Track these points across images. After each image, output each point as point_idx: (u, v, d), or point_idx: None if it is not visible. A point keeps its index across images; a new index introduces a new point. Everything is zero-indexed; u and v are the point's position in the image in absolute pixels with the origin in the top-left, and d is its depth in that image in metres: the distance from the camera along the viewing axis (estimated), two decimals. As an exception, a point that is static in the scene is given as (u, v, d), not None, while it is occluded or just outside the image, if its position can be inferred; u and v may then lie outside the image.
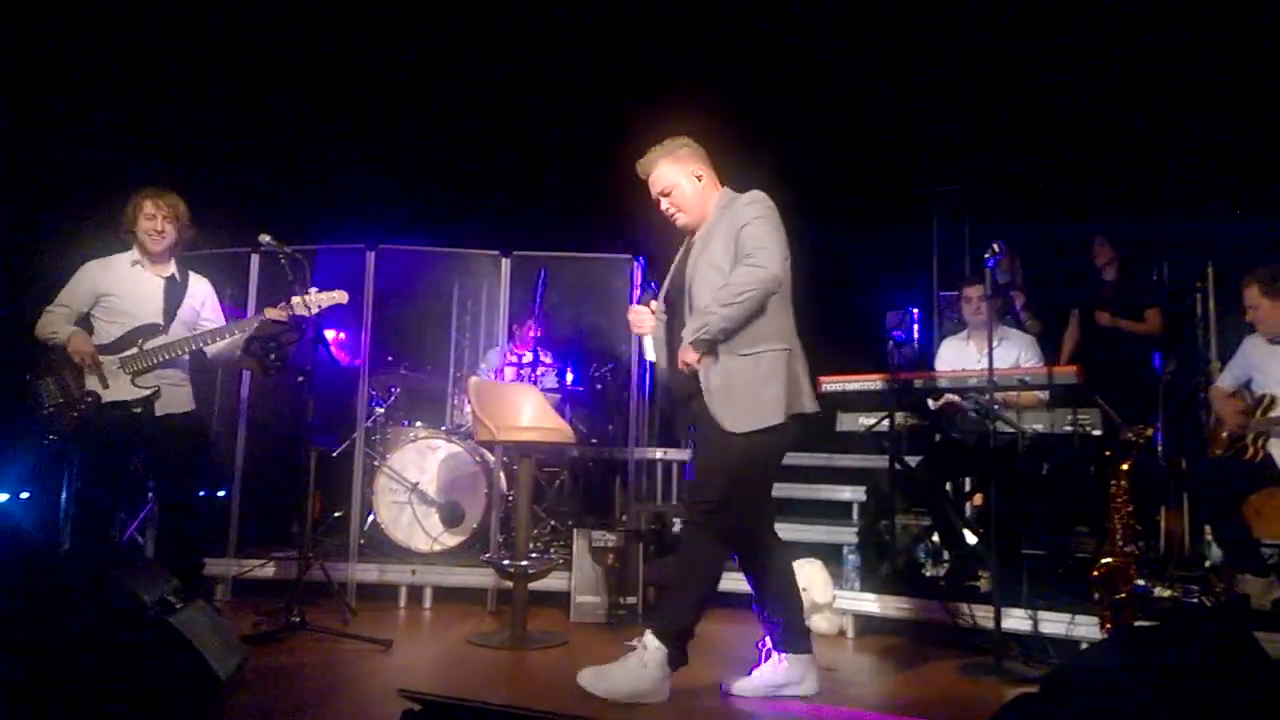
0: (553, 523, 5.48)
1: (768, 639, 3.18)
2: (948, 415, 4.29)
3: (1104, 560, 3.39)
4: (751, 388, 2.95)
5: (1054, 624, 3.61)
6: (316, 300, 3.80)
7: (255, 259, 4.82)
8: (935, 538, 4.49)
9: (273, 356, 3.95)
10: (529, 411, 4.31)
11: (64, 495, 4.38)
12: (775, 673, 3.10)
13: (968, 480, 4.82)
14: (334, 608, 4.19)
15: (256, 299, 4.77)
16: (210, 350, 3.83)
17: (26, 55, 4.87)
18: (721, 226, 3.07)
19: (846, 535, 4.77)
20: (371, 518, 5.07)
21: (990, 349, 3.74)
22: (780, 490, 6.04)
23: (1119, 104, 5.96)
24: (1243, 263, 4.14)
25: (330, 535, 5.21)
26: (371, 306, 4.77)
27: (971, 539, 4.26)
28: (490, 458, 5.17)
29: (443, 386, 6.25)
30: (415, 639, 4.09)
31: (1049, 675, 2.08)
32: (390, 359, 5.79)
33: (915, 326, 4.29)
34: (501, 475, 5.15)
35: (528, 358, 5.71)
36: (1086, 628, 3.52)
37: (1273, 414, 3.85)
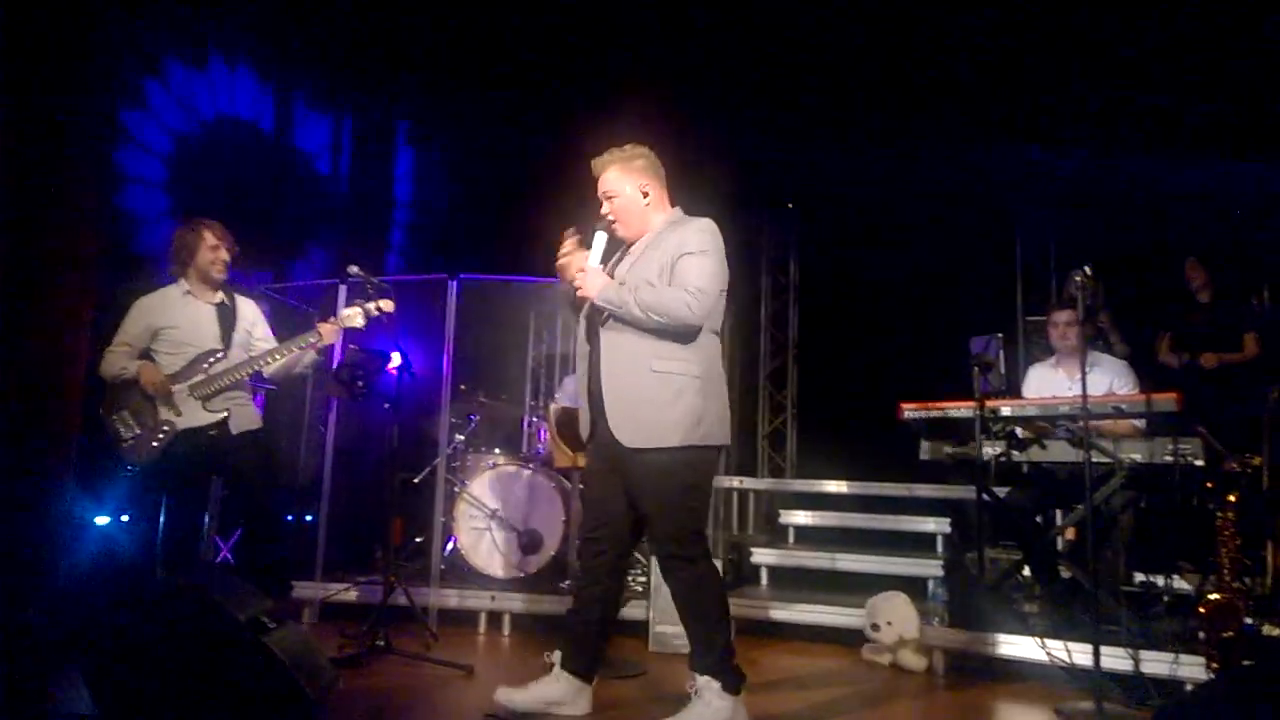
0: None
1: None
2: (1038, 444, 4.14)
3: (1210, 597, 3.22)
4: (653, 407, 2.87)
5: (1156, 664, 3.44)
6: (344, 317, 3.89)
7: (343, 289, 4.96)
8: (1027, 572, 4.33)
9: (359, 383, 4.04)
10: (607, 439, 4.30)
11: (161, 518, 4.54)
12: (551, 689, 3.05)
13: (1058, 513, 4.65)
14: (416, 632, 4.23)
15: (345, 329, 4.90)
16: (267, 370, 3.96)
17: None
18: (664, 244, 3.00)
19: (931, 568, 4.64)
20: (452, 544, 5.12)
21: (1084, 375, 3.61)
22: (861, 521, 6.00)
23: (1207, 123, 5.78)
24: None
25: (412, 560, 5.28)
26: (453, 335, 4.87)
27: (1066, 574, 4.09)
28: (568, 485, 5.19)
29: (520, 414, 6.31)
30: (495, 664, 4.10)
31: (1153, 718, 1.98)
32: (463, 387, 5.88)
33: (1000, 353, 4.16)
34: (579, 503, 5.15)
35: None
36: (1191, 668, 3.35)
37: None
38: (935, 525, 5.34)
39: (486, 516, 5.06)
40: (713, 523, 5.43)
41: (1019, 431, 4.20)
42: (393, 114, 7.67)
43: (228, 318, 3.97)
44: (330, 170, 7.18)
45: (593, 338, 3.05)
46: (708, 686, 2.91)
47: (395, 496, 4.56)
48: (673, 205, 3.18)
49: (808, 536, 6.10)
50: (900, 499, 5.83)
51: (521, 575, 4.98)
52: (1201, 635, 3.21)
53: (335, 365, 4.34)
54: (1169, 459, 3.81)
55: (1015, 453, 4.17)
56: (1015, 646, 3.78)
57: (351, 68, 6.91)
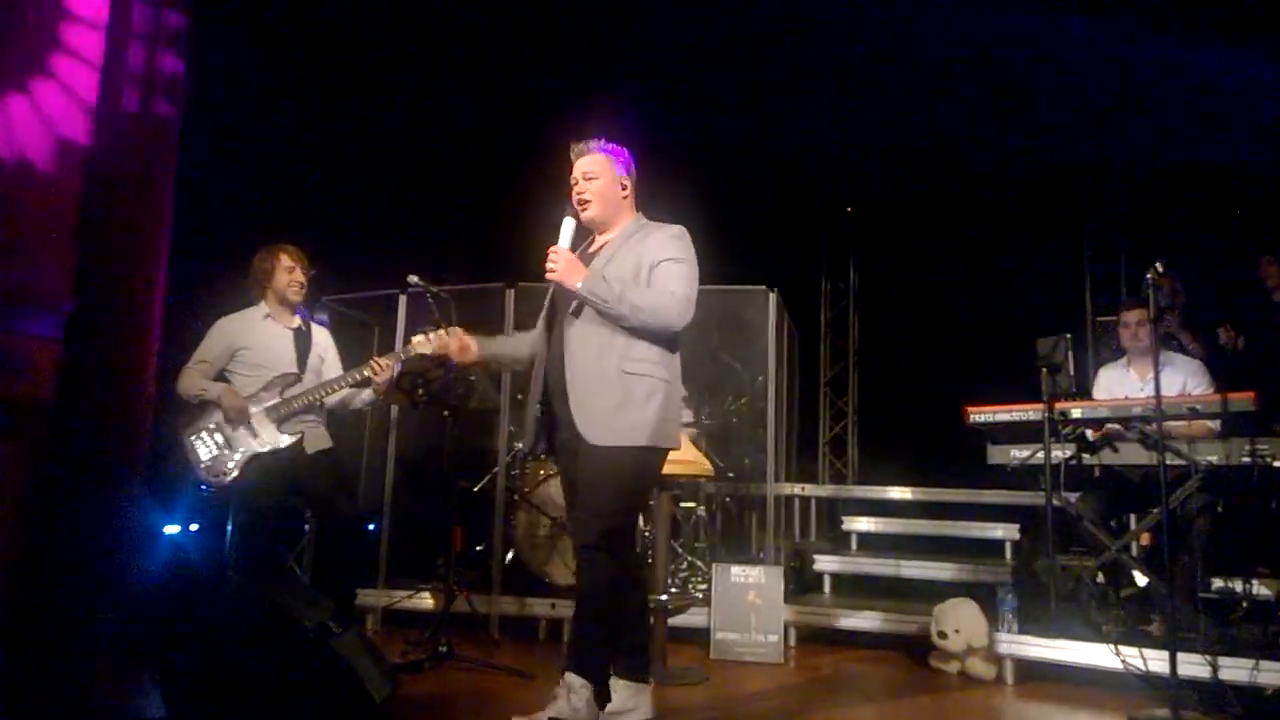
0: (690, 558, 5.43)
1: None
2: (1110, 447, 4.02)
3: (1295, 603, 3.08)
4: (623, 406, 2.81)
5: (1236, 671, 3.31)
6: (415, 344, 3.85)
7: (403, 300, 5.05)
8: (1100, 578, 4.19)
9: (420, 391, 4.10)
10: (665, 445, 4.29)
11: (229, 527, 4.66)
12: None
13: (1132, 517, 4.50)
14: (478, 639, 4.27)
15: (404, 338, 4.99)
16: (329, 400, 4.01)
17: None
18: (635, 248, 2.96)
19: (1000, 575, 4.53)
20: (512, 552, 5.16)
21: (1156, 375, 3.49)
22: (926, 527, 5.89)
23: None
24: None
25: (473, 568, 5.33)
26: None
27: (1141, 580, 3.95)
28: (626, 492, 5.18)
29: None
30: (556, 671, 4.11)
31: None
32: (519, 396, 5.91)
33: (1069, 354, 4.04)
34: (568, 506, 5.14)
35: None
36: (1272, 674, 3.23)
37: None
38: (1004, 531, 5.21)
39: (546, 524, 5.09)
40: (774, 530, 5.38)
41: (1089, 434, 4.08)
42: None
43: (304, 343, 4.06)
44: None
45: (555, 328, 2.98)
46: (577, 688, 2.80)
47: (455, 505, 4.61)
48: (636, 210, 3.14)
49: (871, 543, 6.00)
50: (967, 505, 5.71)
51: (581, 583, 4.98)
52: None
53: (396, 373, 4.41)
54: (1246, 460, 3.67)
55: (1086, 456, 4.05)
56: (1089, 654, 3.66)
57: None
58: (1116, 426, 3.99)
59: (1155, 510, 3.76)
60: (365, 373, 3.91)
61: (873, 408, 8.20)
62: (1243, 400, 3.65)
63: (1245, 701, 3.20)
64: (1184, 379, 4.16)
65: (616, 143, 3.12)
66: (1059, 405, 3.92)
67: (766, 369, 5.28)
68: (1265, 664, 3.23)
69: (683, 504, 5.61)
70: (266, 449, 3.85)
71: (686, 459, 4.11)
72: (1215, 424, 3.84)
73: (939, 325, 7.18)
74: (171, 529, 4.81)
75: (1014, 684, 3.82)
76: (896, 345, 7.78)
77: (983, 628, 3.88)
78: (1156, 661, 3.38)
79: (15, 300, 3.80)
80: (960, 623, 3.88)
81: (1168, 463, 3.52)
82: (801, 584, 5.27)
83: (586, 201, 3.02)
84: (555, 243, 2.93)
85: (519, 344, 3.22)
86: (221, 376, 3.95)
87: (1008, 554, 5.28)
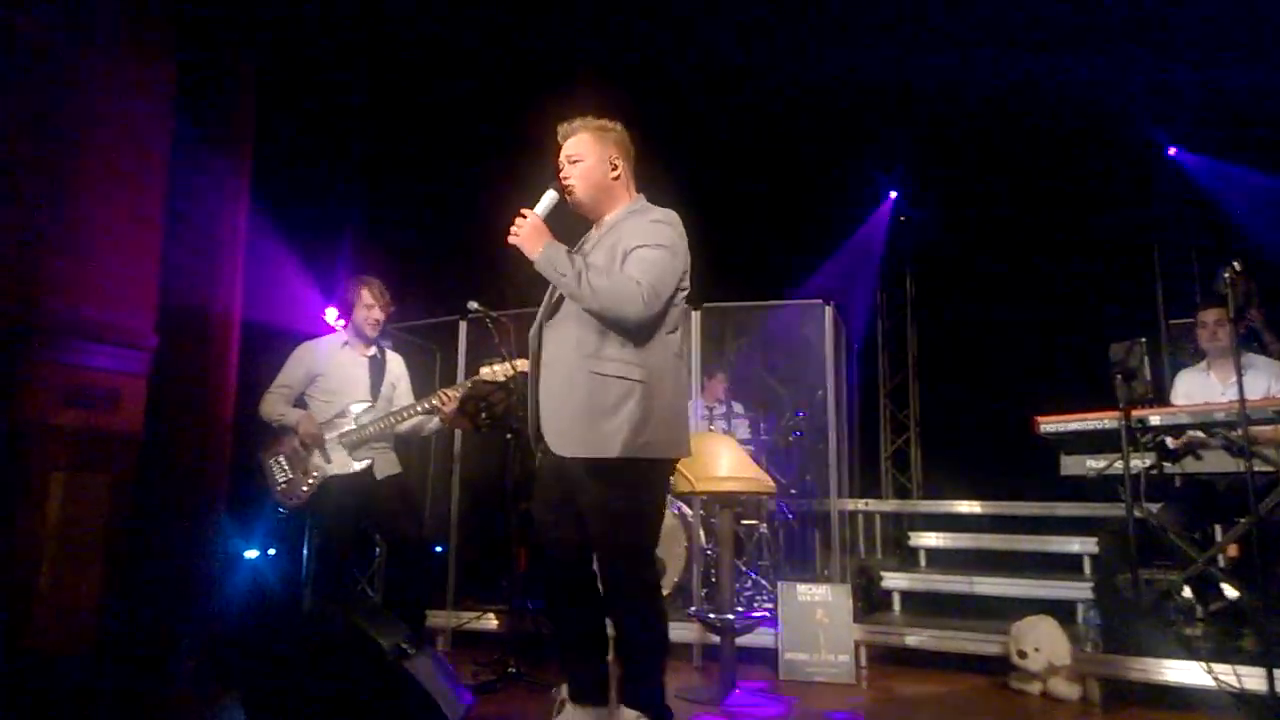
0: (753, 576, 5.37)
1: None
2: (1192, 454, 3.88)
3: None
4: (589, 413, 2.57)
5: (1341, 689, 3.12)
6: (491, 373, 3.89)
7: (464, 326, 5.11)
8: (1187, 592, 4.03)
9: (483, 415, 4.14)
10: (727, 462, 4.26)
11: (305, 552, 4.76)
12: None
13: (1218, 528, 4.32)
14: (545, 660, 4.26)
15: (466, 364, 5.05)
16: (400, 428, 4.08)
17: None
18: (621, 230, 2.74)
19: (1079, 591, 4.39)
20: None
21: (1239, 378, 3.36)
22: (998, 542, 5.74)
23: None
24: None
25: (537, 589, 5.34)
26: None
27: (1231, 593, 3.79)
28: (688, 511, 5.16)
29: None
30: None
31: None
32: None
33: (1145, 358, 3.91)
34: (700, 528, 5.11)
35: (719, 410, 5.70)
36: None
37: None
38: (1081, 545, 5.05)
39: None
40: (839, 547, 5.29)
41: (1169, 442, 3.95)
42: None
43: (378, 371, 4.16)
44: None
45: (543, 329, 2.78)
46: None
47: (519, 526, 4.63)
48: (637, 193, 2.91)
49: (940, 559, 5.87)
50: (1041, 518, 5.55)
51: (647, 602, 4.95)
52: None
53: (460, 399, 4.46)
54: (1341, 464, 3.50)
55: (1167, 464, 3.91)
56: (1178, 672, 3.51)
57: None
58: (1198, 433, 3.84)
59: (1243, 519, 3.61)
60: (434, 402, 3.97)
61: (935, 420, 8.05)
62: (1334, 403, 3.50)
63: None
64: (1268, 381, 4.02)
65: (608, 117, 2.88)
66: (1136, 412, 3.79)
67: (825, 383, 5.22)
68: (1369, 680, 3.05)
69: (744, 521, 5.57)
70: (338, 474, 3.93)
71: (746, 475, 4.08)
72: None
73: (1004, 332, 7.04)
74: (251, 553, 4.93)
75: (1100, 704, 3.69)
76: (957, 355, 7.64)
77: (1064, 646, 3.76)
78: (1252, 679, 3.25)
79: (104, 339, 3.96)
80: (1040, 641, 3.77)
81: (1255, 469, 3.39)
82: (869, 602, 5.17)
83: (570, 185, 2.79)
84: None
85: None
86: (301, 400, 4.06)
87: (1086, 569, 5.12)
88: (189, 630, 4.15)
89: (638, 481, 2.62)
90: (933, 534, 5.98)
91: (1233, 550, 4.13)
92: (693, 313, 5.17)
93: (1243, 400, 3.31)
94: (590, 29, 5.93)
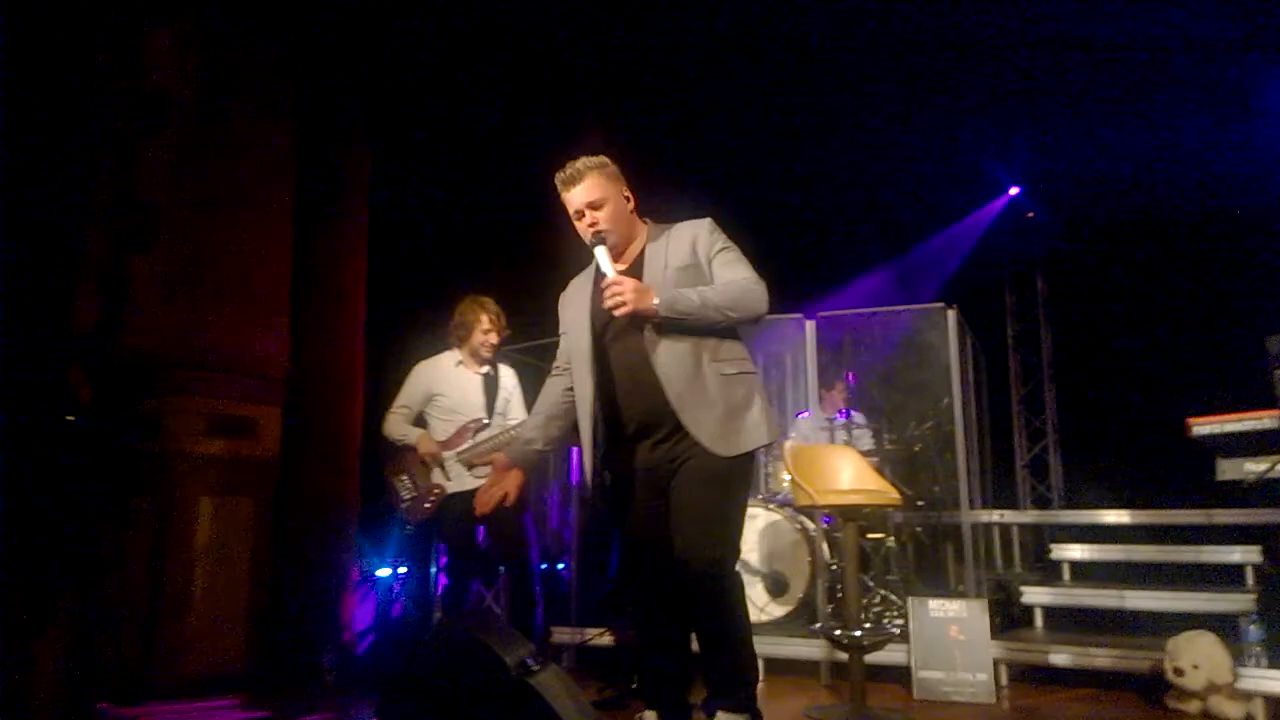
0: (882, 592, 5.20)
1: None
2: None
3: None
4: (737, 411, 2.65)
5: None
6: None
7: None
8: (1368, 605, 3.67)
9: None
10: (848, 474, 4.15)
11: (433, 570, 4.91)
12: None
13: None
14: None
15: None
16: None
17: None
18: (674, 251, 2.73)
19: (1242, 603, 4.05)
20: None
21: None
22: (1149, 553, 5.38)
23: None
24: None
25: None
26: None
27: None
28: (810, 525, 5.05)
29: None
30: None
31: None
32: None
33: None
34: (824, 542, 5.00)
35: (840, 421, 5.57)
36: None
37: None
38: (1242, 555, 4.67)
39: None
40: (972, 561, 5.06)
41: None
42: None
43: (492, 388, 4.27)
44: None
45: (618, 356, 2.74)
46: None
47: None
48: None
49: (1086, 573, 5.53)
50: (1197, 526, 5.16)
51: (768, 619, 4.88)
52: None
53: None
54: None
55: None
56: (1363, 694, 3.20)
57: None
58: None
59: None
60: None
61: (1074, 425, 7.63)
62: None
63: None
64: None
65: (599, 152, 2.83)
66: (1300, 410, 3.50)
67: (950, 390, 5.02)
68: None
69: (870, 535, 5.40)
70: (457, 491, 4.04)
71: (869, 487, 3.97)
72: None
73: (1146, 330, 6.64)
74: (383, 572, 5.14)
75: (1271, 727, 3.39)
76: (1097, 355, 7.24)
77: (1225, 662, 3.47)
78: None
79: (241, 371, 4.23)
80: (1199, 657, 3.49)
81: None
82: (1008, 618, 4.92)
83: (603, 232, 2.72)
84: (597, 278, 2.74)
85: (533, 430, 3.02)
86: (421, 418, 4.19)
87: (1248, 580, 4.73)
88: (328, 647, 4.35)
89: (749, 471, 2.76)
90: (1076, 545, 5.65)
91: None
92: (806, 323, 5.09)
93: None
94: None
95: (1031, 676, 4.25)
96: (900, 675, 4.15)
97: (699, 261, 2.72)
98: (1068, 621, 4.87)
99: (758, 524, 5.07)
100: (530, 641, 2.99)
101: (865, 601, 5.00)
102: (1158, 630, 3.97)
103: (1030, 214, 8.02)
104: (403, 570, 5.17)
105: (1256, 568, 4.55)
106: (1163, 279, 6.58)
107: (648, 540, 2.77)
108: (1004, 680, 4.19)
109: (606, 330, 2.75)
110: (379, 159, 5.35)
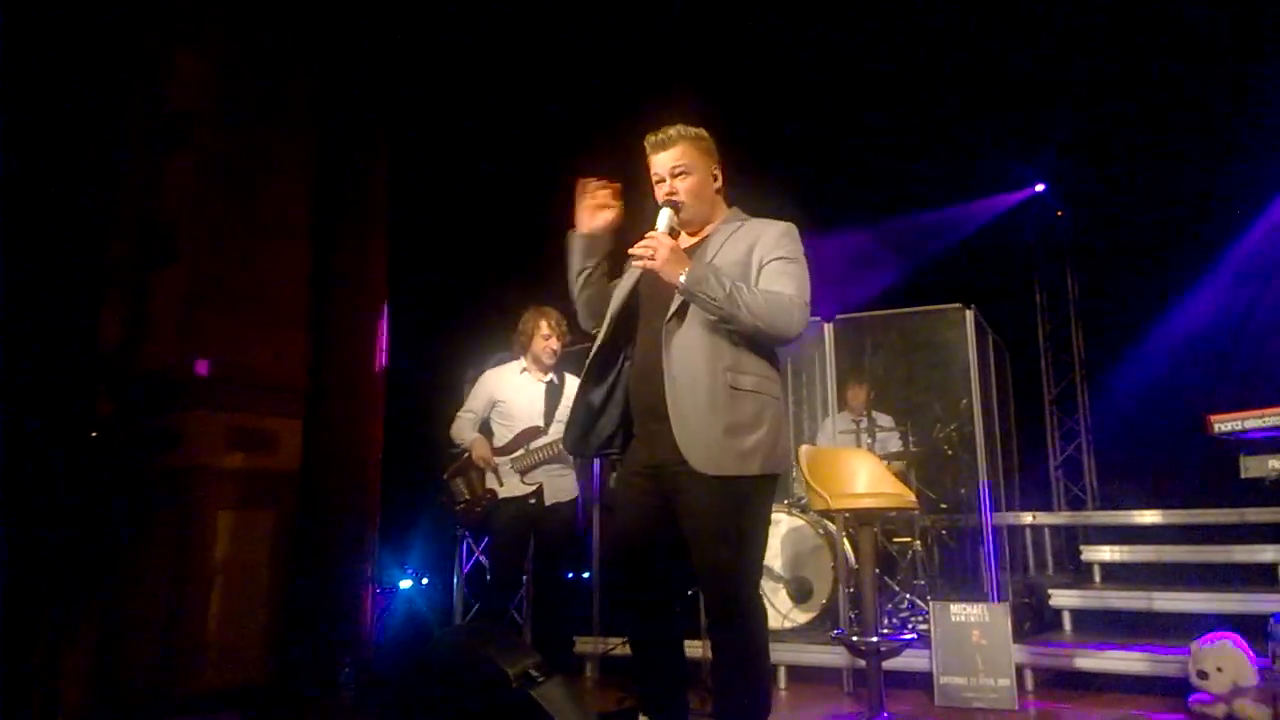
0: (909, 597, 5.14)
1: None
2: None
3: None
4: (734, 429, 2.43)
5: None
6: None
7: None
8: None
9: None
10: (864, 477, 4.11)
11: (455, 581, 4.96)
12: None
13: None
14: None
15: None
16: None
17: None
18: (739, 245, 2.57)
19: (1271, 604, 3.95)
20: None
21: None
22: (1180, 554, 5.25)
23: None
24: None
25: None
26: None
27: None
28: (834, 529, 5.01)
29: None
30: (775, 716, 4.00)
31: None
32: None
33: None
34: (848, 547, 4.95)
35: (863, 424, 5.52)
36: None
37: None
38: (1274, 554, 4.54)
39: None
40: (994, 564, 4.98)
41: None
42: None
43: (554, 397, 4.29)
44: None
45: (644, 335, 2.61)
46: None
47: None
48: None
49: (1116, 574, 5.42)
50: (1228, 526, 5.03)
51: (792, 626, 4.84)
52: None
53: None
54: None
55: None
56: (1397, 698, 3.09)
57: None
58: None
59: None
60: None
61: (1109, 425, 7.48)
62: None
63: None
64: None
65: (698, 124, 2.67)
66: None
67: (969, 391, 4.95)
68: None
69: (896, 539, 5.35)
70: (508, 496, 4.12)
71: (886, 491, 3.93)
72: None
73: (1182, 327, 6.51)
74: (405, 583, 5.19)
75: (1302, 731, 3.30)
76: (1131, 353, 7.09)
77: (1247, 665, 3.38)
78: None
79: (261, 385, 4.32)
80: (1221, 660, 3.41)
81: None
82: (1039, 622, 4.84)
83: (679, 202, 2.59)
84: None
85: None
86: (487, 426, 4.28)
87: (1280, 579, 4.61)
88: (347, 660, 4.40)
89: (765, 497, 2.54)
90: (1107, 547, 5.53)
91: None
92: (825, 325, 5.06)
93: None
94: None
95: (1059, 681, 4.19)
96: (923, 682, 4.10)
97: (750, 262, 2.55)
98: (1097, 624, 4.78)
99: (780, 529, 5.04)
100: (545, 651, 3.02)
101: (890, 607, 4.95)
102: (1188, 632, 3.87)
103: (1060, 213, 7.90)
104: (425, 582, 5.23)
105: (1290, 567, 4.43)
106: (1195, 272, 6.45)
107: (639, 538, 2.62)
108: (1030, 685, 4.12)
109: (656, 306, 2.58)
110: (398, 167, 5.42)
